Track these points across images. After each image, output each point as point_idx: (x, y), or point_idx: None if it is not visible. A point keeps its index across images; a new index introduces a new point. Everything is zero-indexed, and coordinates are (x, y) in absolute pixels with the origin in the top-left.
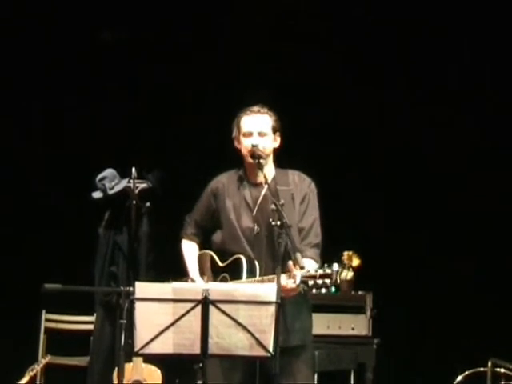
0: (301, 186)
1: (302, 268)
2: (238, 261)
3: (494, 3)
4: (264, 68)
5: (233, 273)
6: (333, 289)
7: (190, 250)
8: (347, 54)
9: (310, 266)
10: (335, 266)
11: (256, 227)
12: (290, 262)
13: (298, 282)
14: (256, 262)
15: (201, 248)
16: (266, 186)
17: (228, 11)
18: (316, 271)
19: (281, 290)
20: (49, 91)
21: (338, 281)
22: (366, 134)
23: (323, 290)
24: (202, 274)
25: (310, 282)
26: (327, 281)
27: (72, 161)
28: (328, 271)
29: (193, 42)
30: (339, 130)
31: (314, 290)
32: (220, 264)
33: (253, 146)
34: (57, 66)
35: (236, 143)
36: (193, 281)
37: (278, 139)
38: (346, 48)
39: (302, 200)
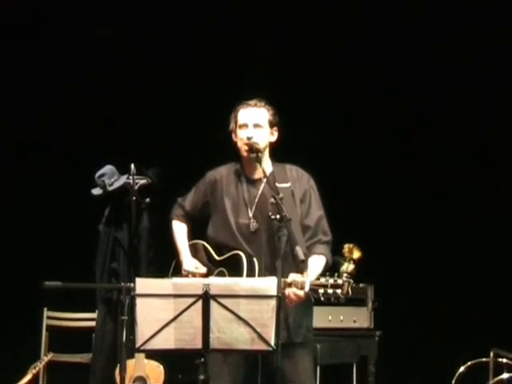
0: (300, 182)
1: (302, 262)
2: (237, 257)
3: None
4: (264, 64)
5: (231, 268)
6: (343, 299)
7: (180, 230)
8: (349, 51)
9: (321, 262)
10: (345, 277)
11: (255, 224)
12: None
13: (306, 289)
14: (255, 259)
15: (191, 232)
16: (264, 180)
17: (228, 9)
18: (327, 280)
19: (281, 283)
20: (49, 88)
21: (350, 293)
22: (367, 127)
23: (332, 299)
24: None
25: (320, 291)
26: (338, 291)
27: (71, 158)
28: (339, 281)
29: (192, 39)
30: (339, 123)
31: (323, 298)
32: (216, 258)
33: (248, 138)
34: (57, 64)
35: (233, 136)
36: (193, 275)
37: (276, 134)
38: (348, 45)
39: (302, 197)
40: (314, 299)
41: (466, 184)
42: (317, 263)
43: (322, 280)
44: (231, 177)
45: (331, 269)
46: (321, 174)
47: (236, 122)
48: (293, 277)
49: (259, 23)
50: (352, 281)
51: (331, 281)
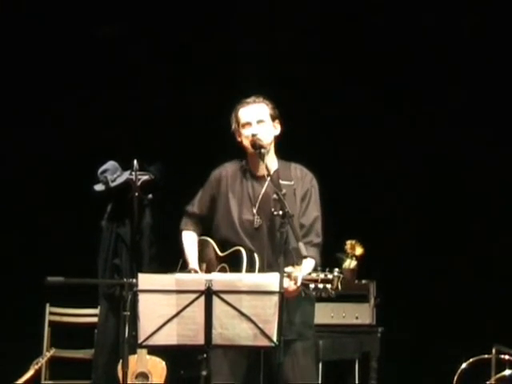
0: (303, 181)
1: (304, 257)
2: (238, 253)
3: None
4: (264, 64)
5: (232, 264)
6: (333, 294)
7: (189, 240)
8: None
9: (310, 265)
10: (336, 272)
11: (258, 220)
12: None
13: (299, 283)
14: (256, 255)
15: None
16: (268, 179)
17: (228, 9)
18: (318, 275)
19: (283, 279)
20: (49, 86)
21: (340, 287)
22: (368, 126)
23: (323, 294)
24: (200, 260)
25: (311, 286)
26: (328, 286)
27: (74, 154)
28: (329, 276)
29: (193, 38)
30: (340, 122)
31: (314, 293)
32: (219, 253)
33: (253, 135)
34: (57, 63)
35: (236, 136)
36: (196, 272)
37: (278, 126)
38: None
39: (303, 196)
40: (304, 294)
41: (467, 183)
42: (306, 266)
43: (313, 275)
44: (236, 173)
45: (334, 265)
46: (322, 172)
47: (238, 122)
48: (288, 270)
49: (259, 23)
50: (342, 275)
51: (322, 275)
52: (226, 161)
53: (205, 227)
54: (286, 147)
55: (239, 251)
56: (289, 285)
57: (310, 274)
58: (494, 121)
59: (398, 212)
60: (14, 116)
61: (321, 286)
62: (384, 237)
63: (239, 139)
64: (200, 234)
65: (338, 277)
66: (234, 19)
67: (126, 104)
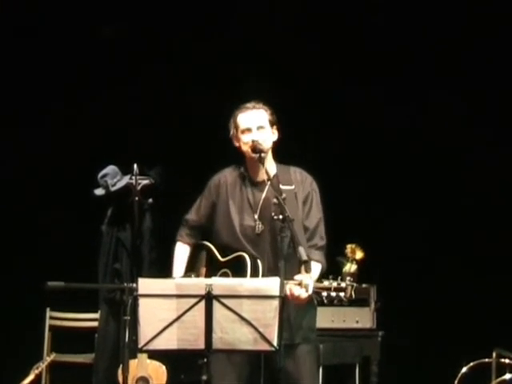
0: (303, 185)
1: (305, 262)
2: (241, 258)
3: None
4: (264, 64)
5: (235, 270)
6: (346, 302)
7: (180, 256)
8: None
9: (317, 269)
10: (349, 280)
11: (260, 226)
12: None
13: (310, 291)
14: (259, 261)
15: (196, 246)
16: (268, 183)
17: (228, 9)
18: (330, 283)
19: (283, 283)
20: (49, 87)
21: (353, 296)
22: (368, 127)
23: (335, 302)
24: (199, 265)
25: (324, 294)
26: (341, 294)
27: (74, 158)
28: (343, 285)
29: (193, 38)
30: (340, 123)
31: (326, 301)
32: (220, 259)
33: (253, 141)
34: (57, 63)
35: (235, 141)
36: (197, 276)
37: (276, 132)
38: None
39: (305, 199)
40: (317, 302)
41: (467, 183)
42: (313, 270)
43: (326, 283)
44: (235, 179)
45: (334, 269)
46: (322, 175)
47: (237, 128)
48: (300, 278)
49: (259, 23)
50: (356, 284)
51: (334, 284)
52: (226, 164)
53: (204, 232)
54: (285, 148)
55: (242, 257)
56: (300, 293)
57: (322, 281)
58: (494, 121)
59: (398, 215)
60: (14, 116)
61: (333, 294)
62: (384, 239)
63: (237, 145)
64: (196, 242)
65: (352, 285)
66: (234, 19)
67: (126, 104)
